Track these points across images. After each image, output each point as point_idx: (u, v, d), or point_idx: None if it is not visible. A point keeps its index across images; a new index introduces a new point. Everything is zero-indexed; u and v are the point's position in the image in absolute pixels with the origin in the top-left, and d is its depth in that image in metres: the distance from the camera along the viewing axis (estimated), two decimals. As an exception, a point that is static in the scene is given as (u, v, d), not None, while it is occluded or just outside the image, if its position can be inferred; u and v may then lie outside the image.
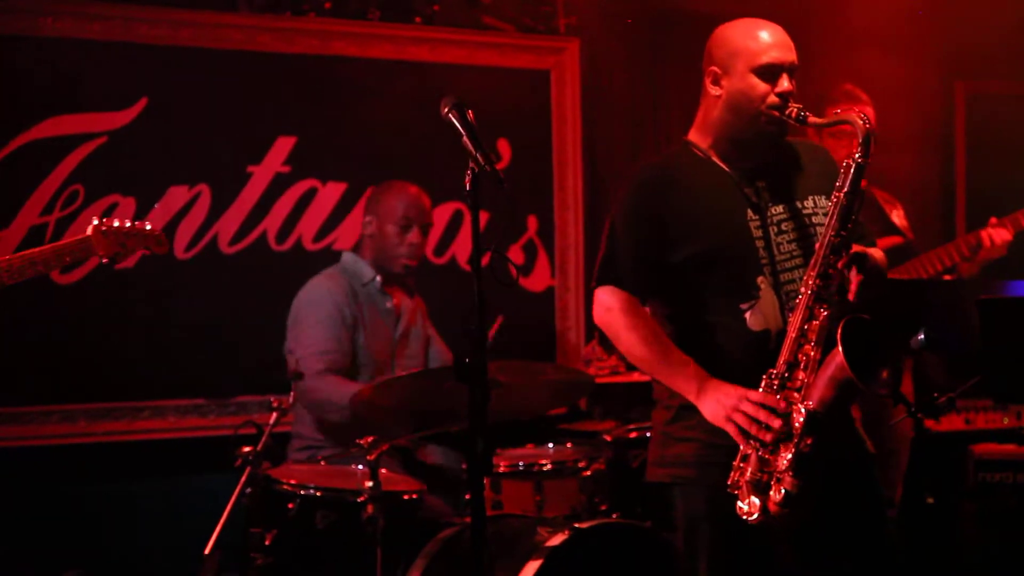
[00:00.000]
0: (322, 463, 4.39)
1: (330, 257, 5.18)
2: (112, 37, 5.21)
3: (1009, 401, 5.00)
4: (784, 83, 3.21)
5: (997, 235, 4.94)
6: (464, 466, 4.46)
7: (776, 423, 3.03)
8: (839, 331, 2.99)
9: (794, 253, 3.23)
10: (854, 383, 2.99)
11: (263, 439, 4.09)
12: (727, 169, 3.28)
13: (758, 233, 3.23)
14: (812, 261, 3.12)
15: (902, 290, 4.24)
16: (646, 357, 3.24)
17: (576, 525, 3.97)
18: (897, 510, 4.74)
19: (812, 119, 3.18)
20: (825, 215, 3.23)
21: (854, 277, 3.09)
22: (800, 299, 3.10)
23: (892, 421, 4.35)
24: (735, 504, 3.08)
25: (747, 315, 3.19)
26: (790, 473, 3.01)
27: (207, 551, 3.99)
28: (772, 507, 3.03)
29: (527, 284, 5.89)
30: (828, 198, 3.23)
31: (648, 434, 4.02)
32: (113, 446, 5.16)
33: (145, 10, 5.26)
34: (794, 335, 3.09)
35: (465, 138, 3.01)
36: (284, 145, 5.47)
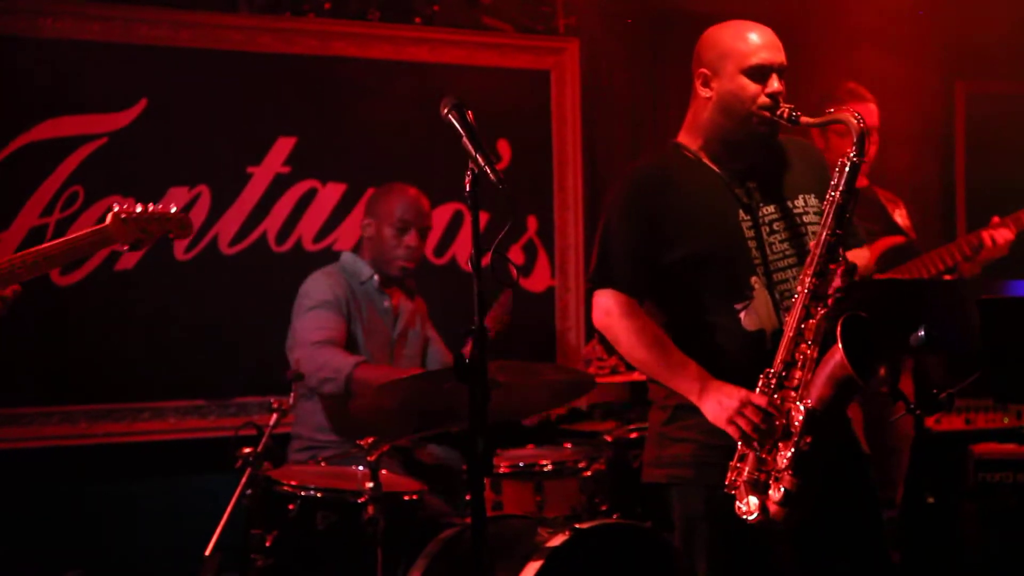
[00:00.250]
0: (322, 464, 4.39)
1: (330, 258, 5.17)
2: (112, 38, 5.20)
3: (1009, 401, 5.00)
4: (774, 83, 3.22)
5: (999, 235, 4.93)
6: (464, 467, 4.46)
7: (777, 428, 3.04)
8: (838, 329, 2.99)
9: (787, 252, 3.24)
10: (853, 380, 2.99)
11: (263, 440, 4.09)
12: (718, 170, 3.29)
13: (750, 233, 3.24)
14: (808, 260, 3.13)
15: (903, 290, 4.24)
16: (646, 359, 3.25)
17: (576, 526, 3.96)
18: (898, 510, 4.74)
19: (804, 119, 3.19)
20: (816, 213, 3.24)
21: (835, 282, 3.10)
22: (796, 298, 3.11)
23: (892, 418, 4.35)
24: (733, 504, 3.08)
25: (742, 315, 3.19)
26: (789, 472, 3.02)
27: (208, 552, 3.99)
28: (772, 506, 3.03)
29: (527, 284, 5.89)
30: (818, 196, 3.25)
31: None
32: (113, 447, 5.16)
33: (145, 11, 5.25)
34: (791, 334, 3.10)
35: (465, 139, 3.01)
36: (284, 146, 5.47)
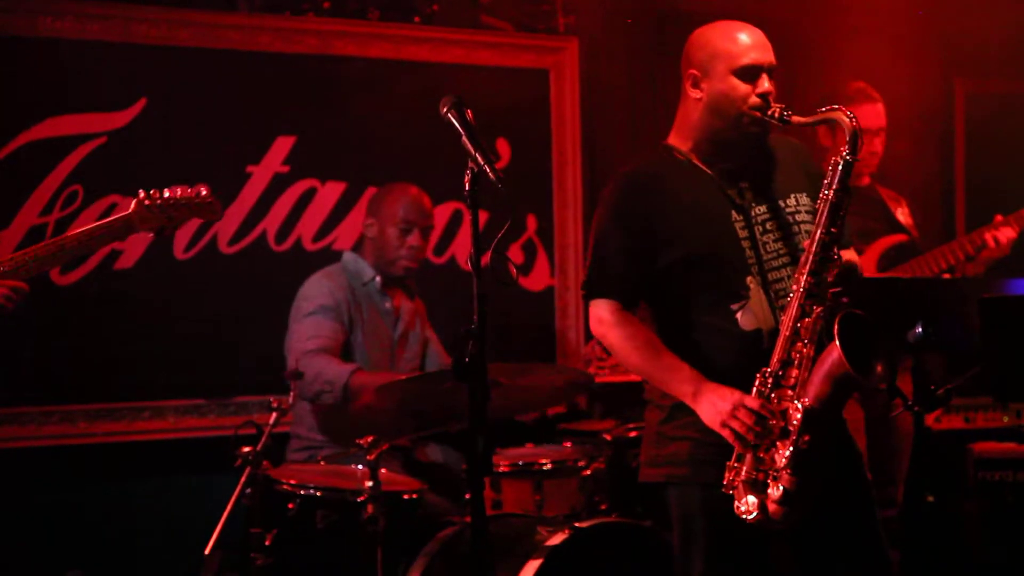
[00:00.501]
0: (322, 463, 4.39)
1: (330, 257, 5.18)
2: (111, 37, 5.20)
3: (1009, 399, 5.00)
4: (765, 83, 3.23)
5: (1002, 234, 4.93)
6: (464, 466, 4.46)
7: (773, 427, 3.04)
8: (835, 326, 3.00)
9: (780, 252, 3.25)
10: (851, 378, 3.00)
11: (263, 439, 4.09)
12: (709, 171, 3.29)
13: (743, 233, 3.24)
14: (803, 259, 3.13)
15: (904, 288, 4.24)
16: (641, 365, 3.27)
17: (576, 524, 3.97)
18: (898, 509, 4.74)
19: (795, 118, 3.19)
20: (808, 212, 3.25)
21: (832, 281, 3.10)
22: (792, 297, 3.11)
23: (892, 414, 4.35)
24: (731, 503, 3.08)
25: (738, 315, 3.20)
26: (788, 471, 3.02)
27: (207, 551, 4.00)
28: (771, 506, 3.03)
29: (526, 283, 5.88)
30: (810, 195, 3.26)
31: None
32: (113, 446, 5.15)
33: (144, 10, 5.25)
34: (787, 333, 3.10)
35: (464, 137, 3.02)
36: (283, 145, 5.46)
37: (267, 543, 3.99)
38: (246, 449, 4.06)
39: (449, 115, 3.04)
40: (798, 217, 3.28)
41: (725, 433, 3.08)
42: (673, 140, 3.36)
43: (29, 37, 5.06)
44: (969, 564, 4.99)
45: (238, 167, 5.39)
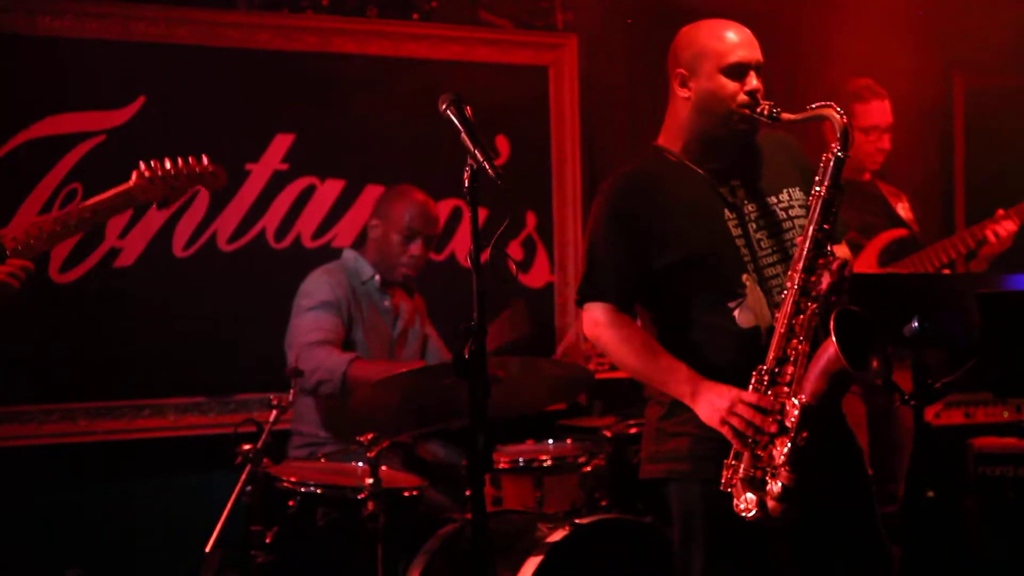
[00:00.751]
0: (322, 460, 4.39)
1: (329, 254, 5.17)
2: (110, 35, 5.19)
3: (1009, 395, 5.00)
4: (753, 81, 3.23)
5: (1002, 228, 4.92)
6: (464, 462, 4.46)
7: (771, 424, 3.04)
8: (831, 322, 3.00)
9: (775, 248, 3.25)
10: (848, 373, 2.99)
11: (263, 437, 4.10)
12: (700, 171, 3.29)
13: (737, 232, 3.24)
14: (796, 255, 3.13)
15: (903, 284, 4.24)
16: (637, 367, 3.27)
17: (576, 521, 3.98)
18: (899, 505, 4.74)
19: (785, 115, 3.18)
20: (802, 207, 3.25)
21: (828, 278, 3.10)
22: (786, 294, 3.11)
23: (890, 407, 4.35)
24: (732, 500, 3.08)
25: (736, 313, 3.20)
26: (787, 468, 3.02)
27: (208, 549, 4.00)
28: (770, 503, 3.03)
29: (526, 280, 5.88)
30: (802, 189, 3.26)
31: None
32: (113, 445, 5.14)
33: (143, 8, 5.24)
34: (782, 330, 3.10)
35: (463, 134, 3.02)
36: (282, 143, 5.46)
37: (268, 540, 4.00)
38: (246, 447, 4.06)
39: (448, 112, 3.04)
40: (792, 212, 3.29)
41: (724, 430, 3.08)
42: (663, 140, 3.37)
43: (28, 35, 5.05)
44: (970, 559, 5.00)
45: (237, 165, 5.38)
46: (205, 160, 3.58)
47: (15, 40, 5.04)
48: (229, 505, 3.99)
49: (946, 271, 4.94)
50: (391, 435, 4.08)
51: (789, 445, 3.02)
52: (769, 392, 3.08)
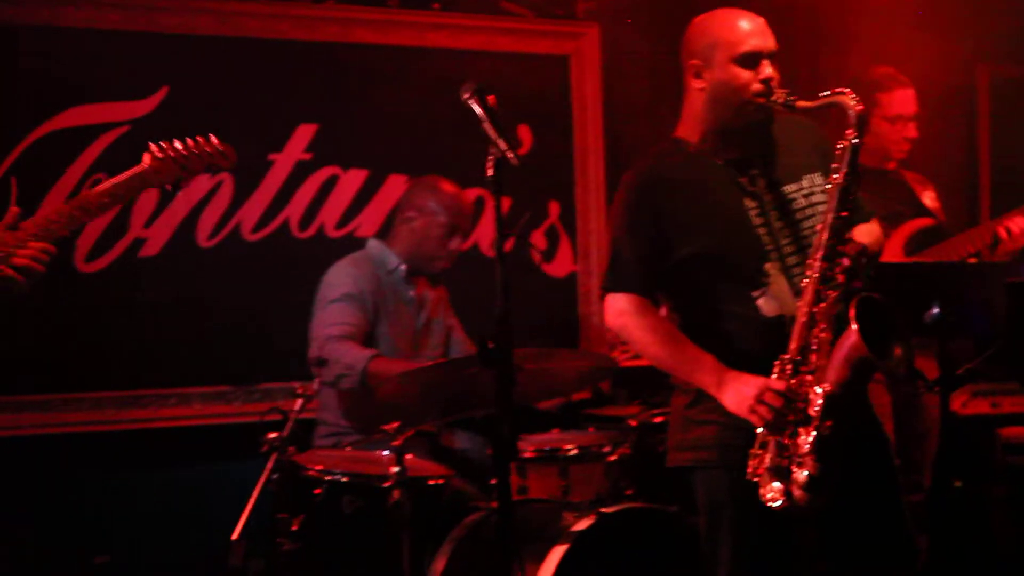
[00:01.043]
0: (348, 449, 4.40)
1: (353, 243, 5.18)
2: (133, 26, 5.22)
3: (1036, 384, 4.97)
4: (766, 69, 3.22)
5: (1015, 224, 4.89)
6: (489, 451, 4.47)
7: (798, 412, 3.04)
8: (852, 310, 2.99)
9: (797, 235, 3.25)
10: (870, 361, 2.99)
11: (289, 425, 4.10)
12: (719, 161, 3.28)
13: (759, 221, 3.24)
14: (815, 244, 3.13)
15: (928, 272, 4.23)
16: (662, 357, 3.28)
17: (601, 510, 3.98)
18: (926, 494, 4.73)
19: (800, 103, 3.18)
20: (823, 192, 3.23)
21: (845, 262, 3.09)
22: (807, 283, 3.11)
23: (916, 396, 4.33)
24: (758, 490, 3.08)
25: (760, 302, 3.20)
26: (812, 456, 3.02)
27: (234, 537, 4.01)
28: (796, 491, 3.03)
29: (550, 270, 5.88)
30: (824, 174, 3.24)
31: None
32: (140, 433, 5.17)
33: (165, -1, 5.28)
34: (804, 319, 3.10)
35: (486, 124, 3.02)
36: (305, 132, 5.47)
37: (293, 528, 4.00)
38: (272, 435, 4.06)
39: (471, 101, 3.05)
40: (813, 199, 3.28)
41: (753, 419, 3.08)
42: (682, 132, 3.37)
43: (51, 26, 5.08)
44: (997, 549, 4.98)
45: (260, 155, 5.40)
46: (214, 140, 3.58)
47: (39, 31, 5.06)
48: (255, 493, 4.00)
49: (972, 260, 4.91)
50: (416, 424, 4.08)
51: (814, 434, 3.02)
52: (793, 380, 3.07)
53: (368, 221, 5.48)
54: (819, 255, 3.10)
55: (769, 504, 3.06)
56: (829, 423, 3.02)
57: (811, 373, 3.08)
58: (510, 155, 2.96)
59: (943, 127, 6.24)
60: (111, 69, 5.17)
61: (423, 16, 5.71)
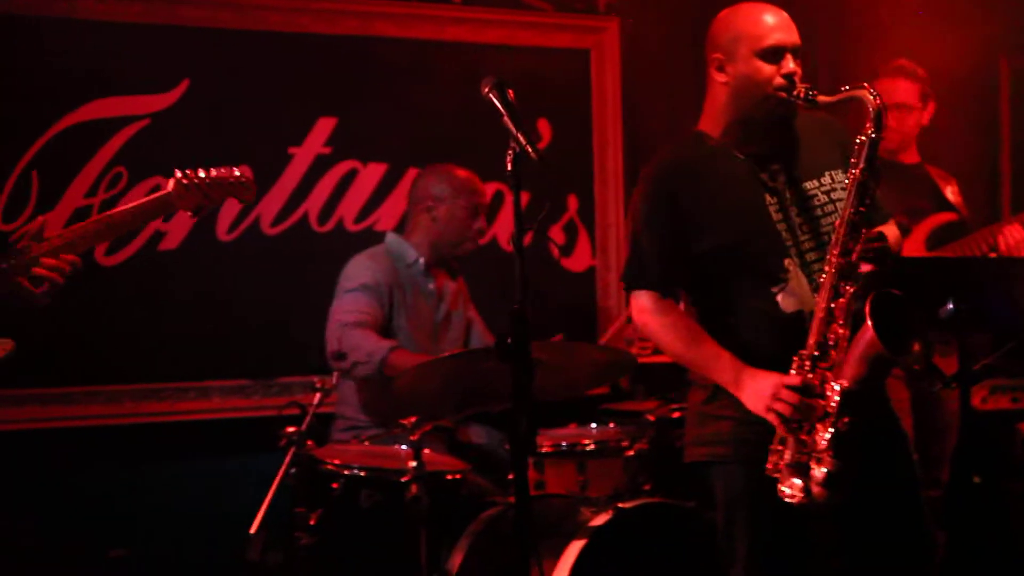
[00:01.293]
0: (366, 443, 4.40)
1: (371, 238, 5.19)
2: (154, 19, 5.23)
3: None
4: (789, 64, 3.21)
5: (1011, 234, 4.85)
6: (507, 446, 4.47)
7: (816, 408, 3.03)
8: (867, 307, 2.98)
9: (818, 231, 3.24)
10: (886, 357, 2.98)
11: (307, 419, 4.12)
12: (741, 156, 3.27)
13: (778, 216, 3.23)
14: (833, 239, 3.12)
15: (949, 267, 4.21)
16: (681, 354, 3.29)
17: (619, 505, 3.98)
18: (944, 489, 4.71)
19: (821, 98, 3.17)
20: (843, 189, 3.22)
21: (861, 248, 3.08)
22: (824, 278, 3.10)
23: (933, 389, 4.31)
24: (777, 486, 3.08)
25: (779, 298, 3.19)
26: (830, 453, 3.01)
27: (252, 530, 4.02)
28: (815, 488, 3.03)
29: (568, 264, 5.88)
30: (845, 171, 3.23)
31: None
32: (158, 426, 5.19)
33: (186, -9, 5.29)
34: (821, 315, 3.09)
35: (506, 118, 3.02)
36: (325, 126, 5.48)
37: (311, 522, 4.02)
38: (290, 429, 4.08)
39: (491, 95, 3.05)
40: (834, 195, 3.27)
41: (770, 417, 3.08)
42: (704, 125, 3.36)
43: (73, 19, 5.09)
44: (1015, 544, 4.96)
45: (280, 148, 5.41)
46: (237, 171, 3.62)
47: (60, 24, 5.07)
48: (273, 487, 4.02)
49: (992, 255, 4.89)
50: (434, 419, 4.09)
51: (831, 430, 3.01)
52: (811, 376, 3.07)
53: (387, 215, 5.48)
54: (836, 250, 3.10)
55: (788, 501, 3.05)
56: (846, 419, 3.01)
57: (829, 369, 3.07)
58: (529, 149, 2.96)
59: (964, 120, 6.21)
60: (132, 62, 5.19)
61: (443, 10, 5.71)
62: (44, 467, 4.93)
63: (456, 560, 3.99)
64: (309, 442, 4.11)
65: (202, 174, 3.55)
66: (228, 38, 5.33)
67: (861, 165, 3.11)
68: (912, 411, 4.41)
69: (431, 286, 4.83)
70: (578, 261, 5.93)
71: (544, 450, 4.41)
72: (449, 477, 4.13)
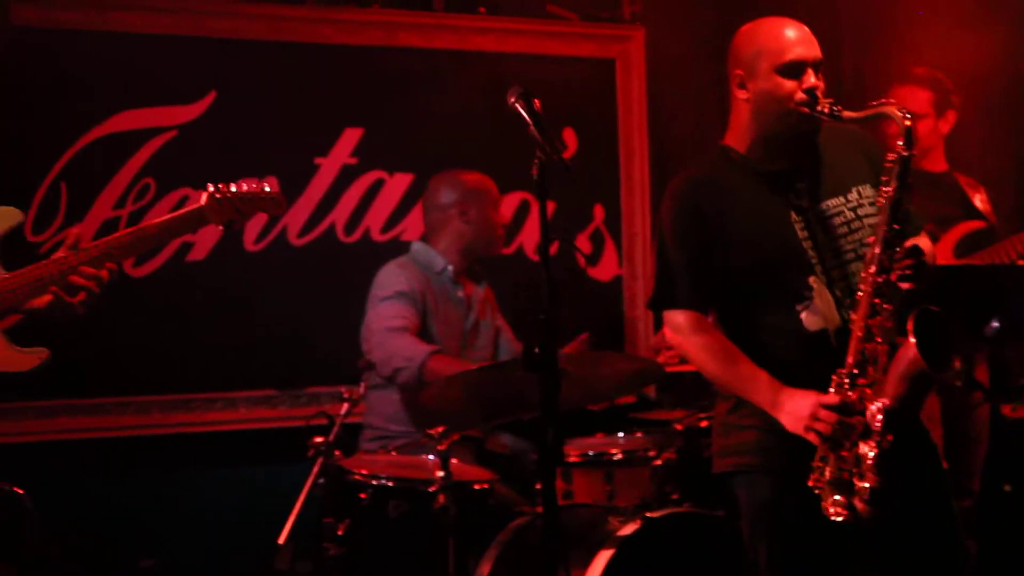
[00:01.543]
0: (393, 453, 4.41)
1: (398, 247, 5.19)
2: (181, 31, 5.25)
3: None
4: (810, 79, 3.19)
5: None
6: (534, 455, 4.47)
7: (856, 425, 3.02)
8: (909, 323, 2.97)
9: (844, 248, 3.22)
10: (929, 375, 2.96)
11: (335, 429, 4.12)
12: (766, 173, 3.26)
13: (804, 234, 3.22)
14: (868, 257, 3.10)
15: (980, 275, 4.19)
16: (718, 374, 3.28)
17: (647, 515, 3.96)
18: (975, 499, 4.69)
19: (846, 113, 3.14)
20: (871, 205, 3.20)
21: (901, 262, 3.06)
22: (861, 296, 3.09)
23: (972, 403, 4.29)
24: (799, 491, 3.07)
25: (803, 316, 3.18)
26: (873, 471, 2.99)
27: (281, 541, 4.03)
28: (859, 504, 3.02)
29: (595, 273, 5.87)
30: (873, 185, 3.21)
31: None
32: (186, 437, 5.20)
33: (212, 4, 5.30)
34: (860, 333, 3.07)
35: (531, 127, 3.02)
36: (351, 137, 5.49)
37: (340, 533, 4.02)
38: (318, 439, 4.09)
39: (516, 105, 3.05)
40: (860, 211, 3.25)
41: (810, 437, 3.07)
42: (729, 140, 3.35)
43: (100, 32, 5.12)
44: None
45: (306, 159, 5.43)
46: (268, 186, 3.65)
47: (88, 36, 5.10)
48: (302, 497, 4.02)
49: (1021, 262, 4.86)
50: (461, 428, 4.08)
51: (876, 449, 3.00)
52: (851, 394, 3.06)
53: (413, 225, 5.49)
54: (872, 268, 3.08)
55: (833, 519, 3.04)
56: (890, 438, 3.00)
57: (869, 386, 3.06)
58: (556, 159, 2.96)
59: (992, 127, 6.18)
60: (159, 74, 5.21)
61: (468, 20, 5.72)
62: (75, 478, 4.95)
63: (484, 570, 3.99)
64: (337, 452, 4.11)
65: (233, 188, 3.58)
66: (254, 49, 5.35)
67: (894, 183, 3.09)
68: (942, 421, 4.38)
69: (460, 294, 4.84)
70: (605, 270, 5.92)
71: (571, 459, 4.41)
72: (477, 487, 4.12)
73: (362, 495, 4.04)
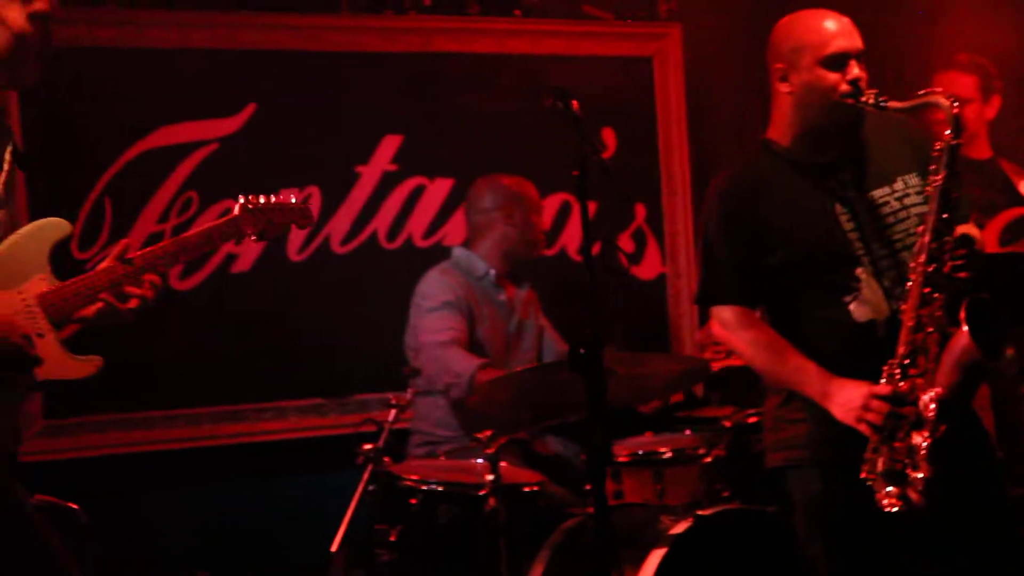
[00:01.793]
0: (442, 458, 4.41)
1: (441, 253, 5.20)
2: (218, 45, 5.28)
3: None
4: (854, 70, 3.17)
5: None
6: (583, 456, 4.46)
7: (909, 415, 3.00)
8: (962, 312, 2.95)
9: (892, 239, 3.20)
10: (982, 364, 2.94)
11: (383, 436, 4.14)
12: (810, 165, 3.24)
13: (850, 226, 3.20)
14: (917, 247, 3.08)
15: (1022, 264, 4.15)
16: (768, 368, 3.28)
17: (699, 512, 3.95)
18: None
19: (892, 104, 3.11)
20: (918, 193, 3.18)
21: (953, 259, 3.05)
22: (911, 286, 3.07)
23: (1016, 387, 4.25)
24: (852, 484, 3.05)
25: (851, 307, 3.17)
26: (927, 461, 2.97)
27: (334, 548, 4.04)
28: (912, 495, 3.00)
29: (638, 272, 5.86)
30: (919, 173, 3.19)
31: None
32: (237, 447, 5.23)
33: (248, 16, 5.33)
34: (911, 323, 3.05)
35: (571, 128, 3.02)
36: (391, 144, 5.50)
37: (392, 539, 4.03)
38: (367, 446, 4.10)
39: (555, 107, 3.05)
40: (907, 201, 3.23)
41: (862, 428, 3.05)
42: (772, 134, 3.34)
43: (139, 49, 5.15)
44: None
45: (347, 167, 5.45)
46: (296, 197, 3.68)
47: (127, 54, 5.14)
48: (353, 504, 4.04)
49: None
50: (509, 431, 4.09)
51: (929, 438, 2.98)
52: (903, 384, 3.04)
53: (455, 230, 5.49)
54: (922, 258, 3.06)
55: (886, 509, 3.03)
56: (943, 427, 2.98)
57: (921, 376, 3.04)
58: (596, 159, 2.96)
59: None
60: (199, 88, 5.25)
61: (504, 23, 5.72)
62: (128, 491, 4.98)
63: (537, 572, 3.98)
64: (386, 458, 4.13)
65: (262, 200, 3.62)
66: (291, 60, 5.37)
67: (943, 172, 3.07)
68: (992, 408, 4.35)
69: (502, 297, 4.84)
70: (648, 269, 5.91)
71: (621, 459, 4.40)
72: (526, 489, 4.12)
73: (412, 501, 4.05)
